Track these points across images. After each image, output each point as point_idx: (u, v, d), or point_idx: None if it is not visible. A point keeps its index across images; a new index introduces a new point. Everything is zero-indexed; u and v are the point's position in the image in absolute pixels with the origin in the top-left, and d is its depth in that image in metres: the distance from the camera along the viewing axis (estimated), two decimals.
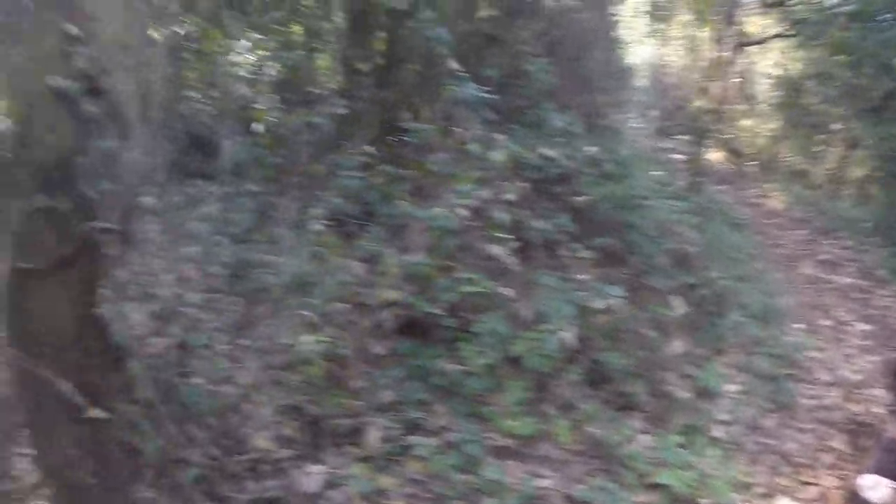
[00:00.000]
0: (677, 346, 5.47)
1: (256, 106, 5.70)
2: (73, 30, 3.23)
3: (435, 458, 3.80)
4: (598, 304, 4.46)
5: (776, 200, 11.66)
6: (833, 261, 9.76)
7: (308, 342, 3.77)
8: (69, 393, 3.28)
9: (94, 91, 3.26)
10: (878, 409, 6.26)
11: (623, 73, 8.79)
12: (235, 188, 5.88)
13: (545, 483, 3.98)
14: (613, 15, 9.43)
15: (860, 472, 5.22)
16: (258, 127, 5.53)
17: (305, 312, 3.94)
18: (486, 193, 4.48)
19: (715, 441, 4.84)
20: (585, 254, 4.99)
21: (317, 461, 3.99)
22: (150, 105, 3.73)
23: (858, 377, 6.81)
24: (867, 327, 7.99)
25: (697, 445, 4.60)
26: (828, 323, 7.92)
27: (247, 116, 5.98)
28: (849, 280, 9.26)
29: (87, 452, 3.45)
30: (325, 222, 4.30)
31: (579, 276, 4.70)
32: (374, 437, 3.99)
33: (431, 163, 4.36)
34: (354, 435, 4.11)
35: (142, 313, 3.72)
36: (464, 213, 4.29)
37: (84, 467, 3.44)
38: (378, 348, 4.10)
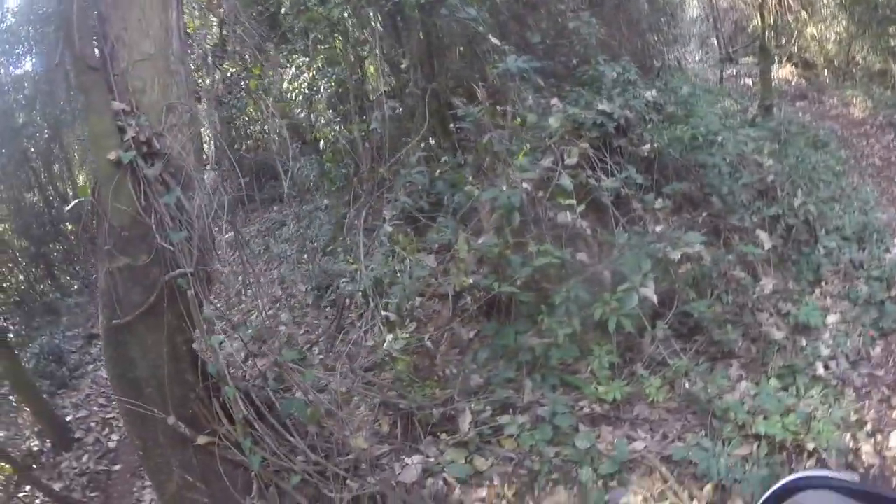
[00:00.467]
0: (768, 284, 5.14)
1: (316, 124, 5.73)
2: (121, 105, 3.53)
3: (526, 435, 3.75)
4: (676, 253, 4.22)
5: (857, 108, 10.73)
6: None
7: (391, 341, 3.78)
8: (174, 425, 3.56)
9: (151, 154, 3.53)
10: None
11: (672, 8, 8.23)
12: (312, 205, 6.02)
13: (640, 446, 3.87)
14: None
15: None
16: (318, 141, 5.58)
17: (385, 313, 3.95)
18: (546, 162, 4.32)
19: (817, 380, 4.45)
20: (659, 203, 4.76)
21: (413, 452, 4.05)
22: (210, 151, 3.87)
23: None
24: None
25: (799, 387, 4.28)
26: None
27: (309, 136, 6.04)
28: None
29: (198, 476, 3.73)
30: (396, 222, 4.28)
31: (655, 228, 4.48)
32: (465, 422, 3.99)
33: (487, 143, 4.22)
34: (447, 422, 4.14)
35: (237, 340, 3.82)
36: (526, 186, 4.15)
37: (198, 490, 3.73)
38: (461, 334, 4.06)
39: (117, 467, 5.78)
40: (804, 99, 10.77)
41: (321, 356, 4.39)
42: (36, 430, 6.70)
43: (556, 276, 4.16)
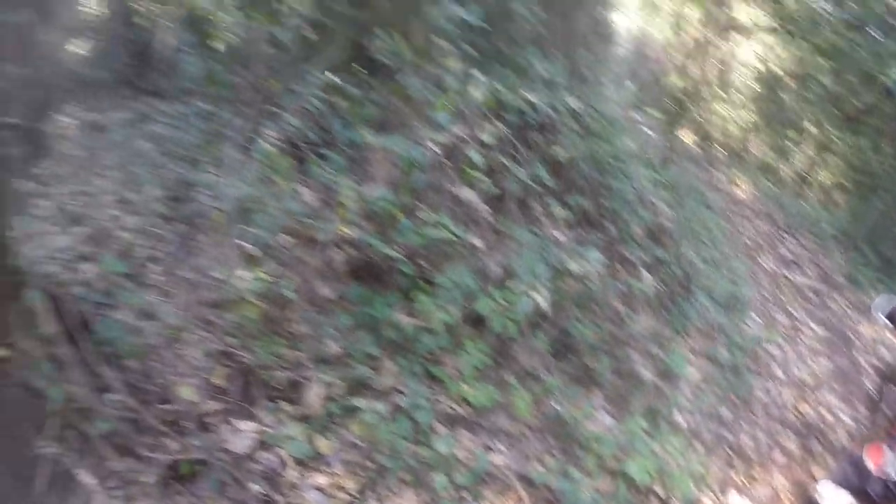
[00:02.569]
0: (644, 323, 5.23)
1: (214, 17, 5.13)
2: None
3: (381, 424, 3.39)
4: (575, 267, 4.08)
5: (741, 190, 11.60)
6: (793, 259, 9.88)
7: (246, 278, 3.25)
8: None
9: None
10: (828, 415, 6.35)
11: (608, 36, 8.42)
12: (186, 106, 5.35)
13: (499, 460, 3.63)
14: None
15: (816, 477, 5.26)
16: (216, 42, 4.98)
17: (245, 244, 3.43)
18: (461, 130, 4.03)
19: (675, 428, 4.67)
20: (560, 211, 4.63)
21: (248, 417, 3.53)
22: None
23: (810, 379, 6.90)
24: (822, 331, 8.10)
25: (660, 431, 4.41)
26: (784, 320, 8.00)
27: (204, 29, 5.41)
28: (807, 280, 9.37)
29: None
30: (279, 144, 3.77)
31: (555, 235, 4.32)
32: (314, 394, 3.54)
33: (405, 87, 3.85)
34: (292, 389, 3.66)
35: (70, 236, 3.16)
36: (435, 148, 3.84)
37: None
38: (326, 291, 3.62)
39: None
40: (697, 165, 11.43)
41: (160, 277, 3.77)
42: None
43: (445, 255, 3.85)
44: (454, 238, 3.68)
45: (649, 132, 9.62)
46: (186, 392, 3.43)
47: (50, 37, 3.04)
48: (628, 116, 9.60)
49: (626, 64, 12.04)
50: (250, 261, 3.41)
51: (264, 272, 3.33)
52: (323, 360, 3.72)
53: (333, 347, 3.72)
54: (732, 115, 13.22)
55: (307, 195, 3.50)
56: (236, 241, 3.42)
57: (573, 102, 5.41)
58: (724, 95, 12.96)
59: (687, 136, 12.12)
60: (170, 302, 3.49)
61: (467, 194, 3.93)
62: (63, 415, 3.09)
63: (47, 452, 3.04)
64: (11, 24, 2.84)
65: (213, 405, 3.57)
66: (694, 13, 11.64)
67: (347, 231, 3.46)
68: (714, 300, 6.61)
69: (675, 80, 11.30)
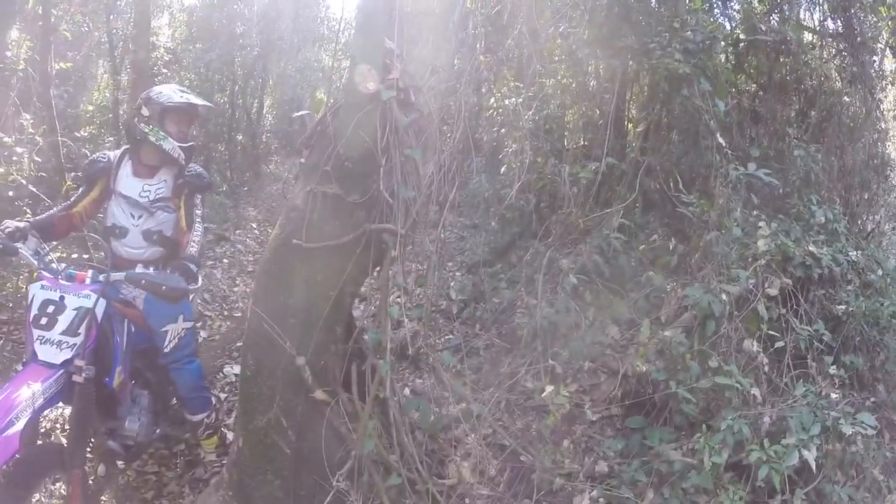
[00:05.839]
0: None
1: (506, 149, 6.06)
2: (393, 45, 3.82)
3: None
4: (847, 429, 4.35)
5: None
6: None
7: (551, 392, 3.95)
8: (301, 367, 3.72)
9: (403, 103, 3.79)
10: None
11: (882, 168, 8.39)
12: (481, 221, 6.26)
13: None
14: (879, 101, 9.06)
15: None
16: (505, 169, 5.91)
17: (552, 362, 4.15)
18: (749, 283, 4.52)
19: None
20: (833, 370, 4.90)
21: None
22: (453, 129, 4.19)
23: None
24: None
25: None
26: None
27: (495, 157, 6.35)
28: None
29: (295, 426, 3.85)
30: (579, 276, 4.51)
31: (829, 393, 4.61)
32: None
33: (707, 242, 4.45)
34: (556, 496, 4.27)
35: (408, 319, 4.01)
36: (725, 298, 4.36)
37: (286, 438, 3.85)
38: (609, 416, 4.24)
39: None
40: None
41: (471, 374, 4.59)
42: None
43: (725, 401, 4.32)
44: (739, 387, 4.15)
45: None
46: (464, 472, 4.11)
47: (427, 169, 3.89)
48: None
49: None
50: (556, 378, 4.10)
51: (567, 391, 3.99)
52: (592, 477, 4.31)
53: (604, 467, 4.32)
54: None
55: (614, 331, 4.17)
56: (543, 357, 4.14)
57: (854, 255, 5.67)
58: None
59: None
60: (478, 396, 4.25)
61: (748, 346, 4.39)
62: (360, 462, 3.80)
63: (339, 487, 3.77)
64: (406, 157, 3.72)
65: (482, 490, 4.29)
66: None
67: (643, 367, 4.06)
68: None
69: None
